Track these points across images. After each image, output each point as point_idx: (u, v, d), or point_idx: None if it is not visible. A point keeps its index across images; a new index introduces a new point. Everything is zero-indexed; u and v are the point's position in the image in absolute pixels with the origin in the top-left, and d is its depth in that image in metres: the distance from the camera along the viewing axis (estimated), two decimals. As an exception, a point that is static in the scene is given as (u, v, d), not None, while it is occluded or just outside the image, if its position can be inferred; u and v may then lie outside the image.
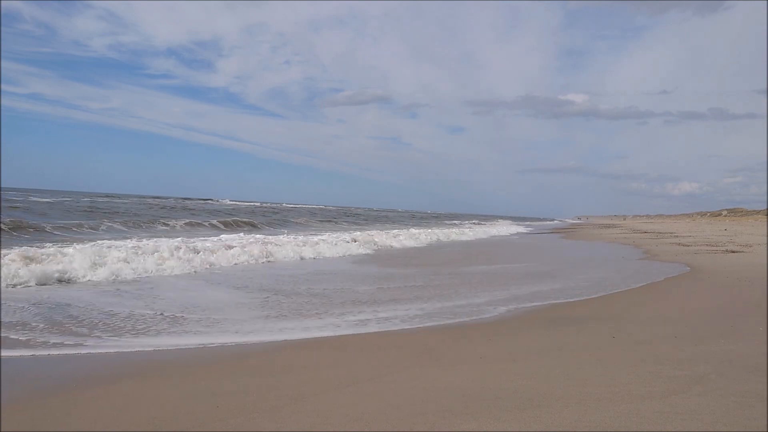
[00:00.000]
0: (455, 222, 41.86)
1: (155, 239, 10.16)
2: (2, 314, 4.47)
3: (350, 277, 7.55)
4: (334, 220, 30.54)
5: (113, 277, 6.62)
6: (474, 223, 39.46)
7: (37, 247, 7.74)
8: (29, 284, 5.87)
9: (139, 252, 7.92)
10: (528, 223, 59.13)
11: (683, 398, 2.39)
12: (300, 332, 4.16)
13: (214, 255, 8.88)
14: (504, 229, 32.62)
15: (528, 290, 6.29)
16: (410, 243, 16.20)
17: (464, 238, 21.43)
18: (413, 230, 20.59)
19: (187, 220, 19.35)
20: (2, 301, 4.96)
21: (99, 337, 3.91)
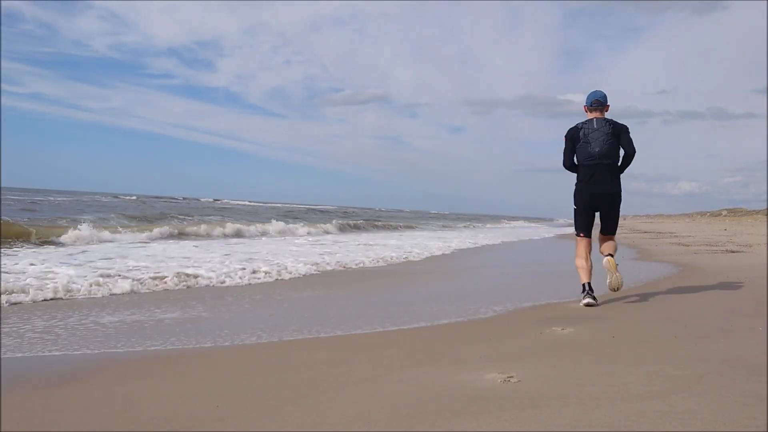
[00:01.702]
0: (499, 224, 42.40)
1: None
2: None
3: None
4: (383, 222, 30.83)
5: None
6: (483, 225, 39.70)
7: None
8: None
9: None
10: (547, 223, 59.30)
11: (683, 398, 2.39)
12: (304, 331, 4.17)
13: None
14: (543, 230, 33.28)
15: (525, 289, 6.29)
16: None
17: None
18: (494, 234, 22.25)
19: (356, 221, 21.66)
20: None
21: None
